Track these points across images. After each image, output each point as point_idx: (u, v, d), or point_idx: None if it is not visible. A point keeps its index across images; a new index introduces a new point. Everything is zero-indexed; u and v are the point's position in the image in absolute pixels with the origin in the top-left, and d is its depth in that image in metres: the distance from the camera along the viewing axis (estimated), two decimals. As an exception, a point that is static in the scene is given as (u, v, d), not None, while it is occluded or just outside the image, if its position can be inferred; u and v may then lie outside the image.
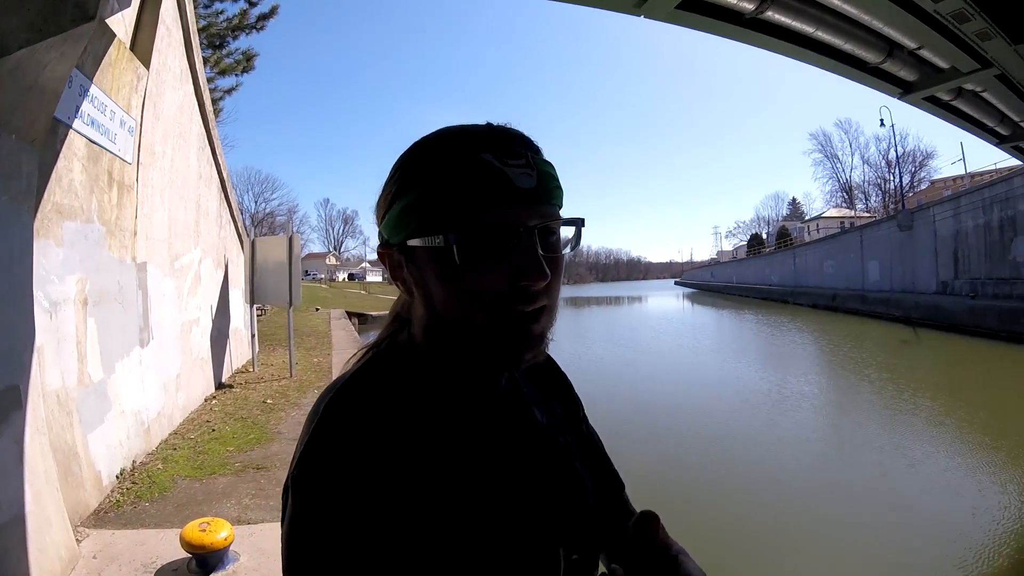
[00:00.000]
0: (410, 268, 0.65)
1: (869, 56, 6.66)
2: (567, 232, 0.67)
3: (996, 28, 5.31)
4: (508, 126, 0.65)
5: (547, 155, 0.67)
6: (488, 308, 0.60)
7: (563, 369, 0.91)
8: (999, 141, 9.78)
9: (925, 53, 6.41)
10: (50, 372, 3.46)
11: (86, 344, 4.07)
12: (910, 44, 6.27)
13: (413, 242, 0.63)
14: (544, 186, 0.62)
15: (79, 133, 3.90)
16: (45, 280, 3.47)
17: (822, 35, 6.36)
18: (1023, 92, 6.94)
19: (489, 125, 0.64)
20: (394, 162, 0.67)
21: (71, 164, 3.83)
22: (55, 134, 3.53)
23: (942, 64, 6.66)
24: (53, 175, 3.55)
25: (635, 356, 15.95)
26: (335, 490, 0.56)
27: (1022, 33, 5.43)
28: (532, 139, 0.66)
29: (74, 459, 3.65)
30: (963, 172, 36.76)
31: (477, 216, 0.59)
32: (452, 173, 0.60)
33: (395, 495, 0.57)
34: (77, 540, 3.25)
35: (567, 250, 0.67)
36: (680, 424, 8.69)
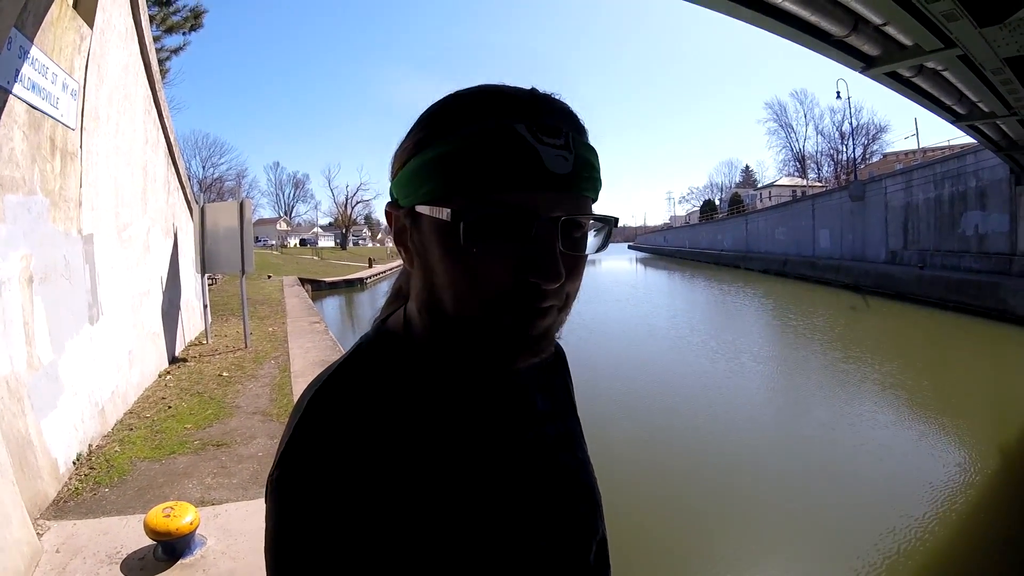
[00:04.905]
0: (414, 236, 0.59)
1: (834, 29, 6.71)
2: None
3: (963, 10, 5.38)
4: (553, 96, 0.58)
5: None
6: (490, 300, 0.54)
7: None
8: (955, 119, 10.12)
9: (890, 29, 6.50)
10: (-3, 358, 3.24)
11: (33, 325, 3.83)
12: (876, 20, 6.33)
13: (421, 209, 0.56)
14: (579, 174, 0.54)
15: (19, 98, 3.58)
16: (-13, 259, 3.22)
17: (788, 5, 6.36)
18: (984, 74, 7.16)
19: (533, 92, 0.57)
20: (424, 111, 0.59)
21: (11, 132, 3.53)
22: (-8, 100, 3.23)
23: (906, 41, 6.76)
24: (-9, 145, 3.27)
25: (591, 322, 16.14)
26: (319, 492, 0.51)
27: (987, 16, 5.56)
28: (578, 116, 0.59)
29: (29, 448, 3.46)
30: (916, 147, 37.87)
31: (494, 195, 0.52)
32: (475, 139, 0.52)
33: (383, 495, 0.52)
34: (38, 534, 3.12)
35: (592, 250, 0.59)
36: (630, 394, 8.88)
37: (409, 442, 0.56)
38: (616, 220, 0.59)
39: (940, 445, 6.45)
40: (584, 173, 0.55)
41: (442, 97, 0.58)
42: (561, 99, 0.58)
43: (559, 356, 0.82)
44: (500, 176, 0.51)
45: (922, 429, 6.95)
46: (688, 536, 4.59)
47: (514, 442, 0.64)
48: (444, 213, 0.53)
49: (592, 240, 0.60)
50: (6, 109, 3.40)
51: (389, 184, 0.62)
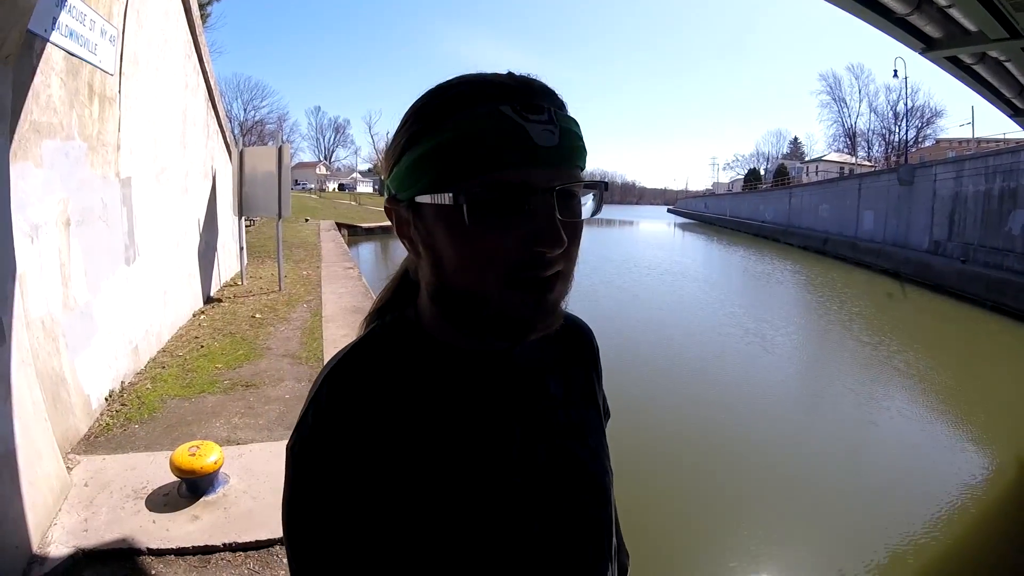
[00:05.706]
0: (418, 227, 0.61)
1: (897, 5, 6.34)
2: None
3: (1034, -1, 4.98)
4: (530, 76, 0.61)
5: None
6: (501, 274, 0.57)
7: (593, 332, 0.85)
8: (1013, 112, 9.58)
9: (954, 12, 6.09)
10: (33, 299, 3.40)
11: (70, 266, 4.00)
12: (941, 0, 5.96)
13: (421, 199, 0.59)
14: (566, 145, 0.57)
15: (56, 46, 3.65)
16: (25, 203, 3.34)
17: (852, -24, 6.02)
18: (1050, 70, 6.71)
19: (510, 75, 0.60)
20: (407, 109, 0.62)
21: (48, 79, 3.61)
22: (30, 49, 3.29)
23: (970, 26, 6.35)
24: (30, 92, 3.34)
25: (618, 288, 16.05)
26: (328, 464, 0.57)
27: (1059, 8, 5.17)
28: (556, 92, 0.62)
29: (62, 385, 3.65)
30: (970, 136, 35.75)
31: (492, 174, 0.55)
32: (466, 125, 0.55)
33: (390, 471, 0.58)
34: (68, 468, 3.29)
35: (587, 215, 0.62)
36: (656, 363, 8.88)
37: (415, 421, 0.61)
38: (606, 184, 0.63)
39: (964, 448, 6.31)
40: (570, 143, 0.58)
41: (426, 91, 0.61)
42: (538, 79, 0.61)
43: (586, 343, 0.83)
44: (495, 156, 0.55)
45: (946, 430, 6.81)
46: (698, 526, 4.58)
47: (519, 426, 0.66)
48: (446, 198, 0.56)
49: (587, 205, 0.63)
50: (43, 57, 3.48)
51: (385, 181, 0.65)
